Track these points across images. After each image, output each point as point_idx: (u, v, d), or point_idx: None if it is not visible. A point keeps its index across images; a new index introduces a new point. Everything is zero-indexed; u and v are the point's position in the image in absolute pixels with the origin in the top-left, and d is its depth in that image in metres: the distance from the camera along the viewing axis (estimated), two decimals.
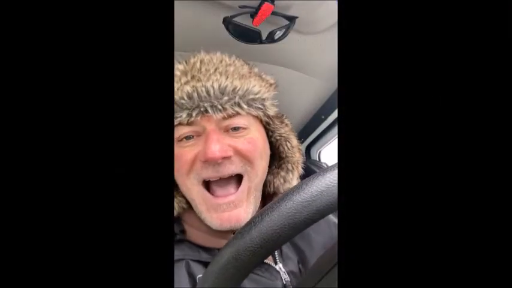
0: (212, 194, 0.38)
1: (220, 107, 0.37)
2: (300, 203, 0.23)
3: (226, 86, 0.37)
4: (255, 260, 0.23)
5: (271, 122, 0.43)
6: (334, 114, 0.84)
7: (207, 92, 0.37)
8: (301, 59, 0.65)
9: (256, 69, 0.44)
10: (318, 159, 1.08)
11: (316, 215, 0.23)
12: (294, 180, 0.44)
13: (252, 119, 0.40)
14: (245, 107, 0.38)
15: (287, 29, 0.49)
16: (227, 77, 0.38)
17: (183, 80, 0.38)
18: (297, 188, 0.23)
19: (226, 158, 0.36)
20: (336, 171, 0.23)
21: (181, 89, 0.37)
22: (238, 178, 0.39)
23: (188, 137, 0.39)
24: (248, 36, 0.49)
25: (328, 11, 0.49)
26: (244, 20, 0.46)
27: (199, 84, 0.37)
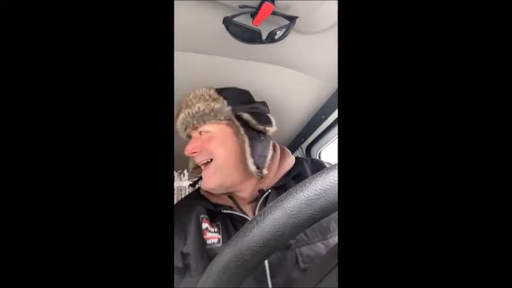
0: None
1: (193, 121, 0.60)
2: (303, 202, 0.23)
3: (197, 109, 0.59)
4: (257, 259, 0.23)
5: (230, 123, 0.61)
6: (335, 114, 0.84)
7: (189, 114, 0.60)
8: (302, 58, 0.65)
9: (211, 91, 0.62)
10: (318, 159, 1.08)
11: (320, 214, 0.23)
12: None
13: (217, 125, 0.60)
14: (201, 120, 0.59)
15: (287, 28, 0.49)
16: (196, 104, 0.60)
17: (181, 110, 0.62)
18: (300, 187, 0.23)
19: (195, 153, 0.60)
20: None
21: (180, 116, 0.61)
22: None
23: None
24: (248, 36, 0.49)
25: (328, 11, 0.49)
26: (244, 20, 0.46)
27: (186, 111, 0.60)
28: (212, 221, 0.59)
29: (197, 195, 0.66)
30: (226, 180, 0.58)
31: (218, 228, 0.58)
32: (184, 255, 0.56)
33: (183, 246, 0.56)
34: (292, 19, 0.48)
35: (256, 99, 0.68)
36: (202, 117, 0.58)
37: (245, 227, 0.24)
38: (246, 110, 0.61)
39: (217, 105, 0.59)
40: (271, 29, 0.49)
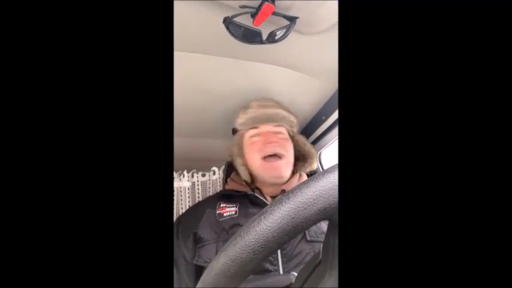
0: None
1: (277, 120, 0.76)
2: (303, 202, 0.22)
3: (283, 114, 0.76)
4: (256, 260, 0.23)
5: (291, 134, 0.78)
6: (335, 115, 0.83)
7: (276, 114, 0.75)
8: (302, 59, 0.65)
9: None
10: (318, 160, 1.08)
11: (312, 220, 0.22)
12: None
13: (285, 130, 0.76)
14: (282, 122, 0.77)
15: (288, 29, 0.49)
16: (277, 109, 0.75)
17: (270, 106, 0.75)
18: (293, 192, 0.23)
19: (276, 143, 0.70)
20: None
21: (271, 110, 0.74)
22: None
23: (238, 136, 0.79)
24: (248, 36, 0.49)
25: (328, 12, 0.48)
26: (244, 20, 0.46)
27: (275, 111, 0.75)
28: (230, 201, 0.70)
29: (220, 191, 0.81)
30: (288, 175, 0.72)
31: (236, 204, 0.68)
32: (195, 234, 0.66)
33: (196, 227, 0.66)
34: (292, 19, 0.48)
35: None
36: (283, 119, 0.75)
37: (243, 228, 0.24)
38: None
39: (292, 118, 0.76)
40: (271, 30, 0.49)
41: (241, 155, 0.74)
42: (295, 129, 0.77)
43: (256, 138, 0.72)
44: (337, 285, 0.23)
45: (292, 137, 0.76)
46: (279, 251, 0.60)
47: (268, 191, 0.71)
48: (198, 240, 0.66)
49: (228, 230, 0.63)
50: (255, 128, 0.73)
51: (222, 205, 0.70)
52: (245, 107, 0.75)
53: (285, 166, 0.68)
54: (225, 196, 0.73)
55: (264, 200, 0.68)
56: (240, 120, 0.74)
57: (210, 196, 0.82)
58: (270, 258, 0.59)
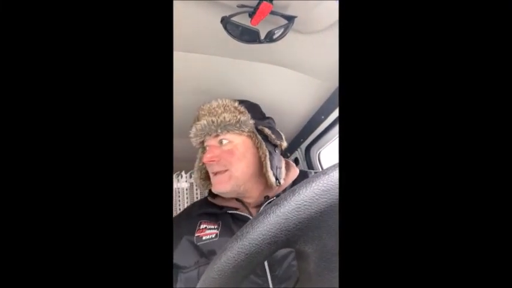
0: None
1: (217, 130, 0.64)
2: (300, 204, 0.22)
3: (223, 118, 0.64)
4: (254, 260, 0.23)
5: (252, 135, 0.67)
6: (334, 114, 0.83)
7: (213, 122, 0.64)
8: (301, 58, 0.65)
9: (236, 104, 0.67)
10: (317, 160, 1.08)
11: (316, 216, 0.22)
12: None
13: (239, 136, 0.65)
14: (225, 129, 0.64)
15: (286, 28, 0.49)
16: (222, 114, 0.65)
17: (203, 116, 0.66)
18: (293, 191, 0.23)
19: (213, 161, 0.63)
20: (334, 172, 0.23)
21: (201, 122, 0.64)
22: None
23: (203, 149, 0.70)
24: (246, 35, 0.48)
25: (327, 10, 0.48)
26: (242, 20, 0.46)
27: (210, 119, 0.64)
28: (212, 221, 0.66)
29: (203, 202, 0.75)
30: (240, 187, 0.64)
31: (218, 225, 0.64)
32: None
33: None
34: (290, 19, 0.48)
35: (256, 100, 0.72)
36: (227, 127, 0.63)
37: (241, 230, 0.24)
38: (265, 125, 0.68)
39: (243, 118, 0.64)
40: (269, 29, 0.49)
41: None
42: (251, 122, 0.67)
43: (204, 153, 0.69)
44: (337, 285, 0.23)
45: (253, 135, 0.67)
46: (266, 264, 0.57)
47: (249, 201, 0.68)
48: (177, 268, 0.62)
49: (207, 254, 0.60)
50: (203, 141, 0.69)
51: (202, 226, 0.66)
52: (197, 116, 0.68)
53: (227, 180, 0.63)
54: (207, 214, 0.68)
55: (247, 215, 0.64)
56: (191, 134, 0.68)
57: (191, 211, 0.74)
58: (257, 271, 0.57)
